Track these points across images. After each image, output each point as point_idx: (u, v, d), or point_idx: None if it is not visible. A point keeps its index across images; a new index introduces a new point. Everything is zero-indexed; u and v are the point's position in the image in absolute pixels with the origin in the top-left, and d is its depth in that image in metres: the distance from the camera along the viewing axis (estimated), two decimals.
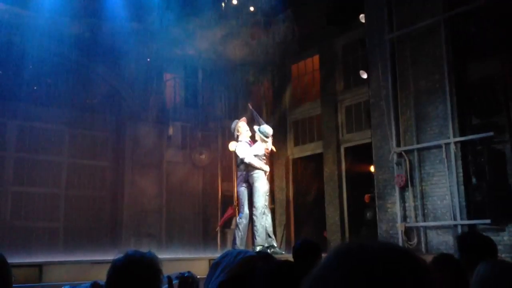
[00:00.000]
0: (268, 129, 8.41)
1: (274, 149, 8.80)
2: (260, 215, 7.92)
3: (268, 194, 8.31)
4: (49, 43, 11.42)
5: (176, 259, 7.37)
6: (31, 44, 11.15)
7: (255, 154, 8.11)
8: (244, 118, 8.68)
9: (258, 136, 8.32)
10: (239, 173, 8.36)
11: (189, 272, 2.35)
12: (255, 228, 7.97)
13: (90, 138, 13.48)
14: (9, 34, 11.24)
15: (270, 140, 8.42)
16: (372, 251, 0.71)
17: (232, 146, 12.83)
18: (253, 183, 8.07)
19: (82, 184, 13.01)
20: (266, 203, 8.17)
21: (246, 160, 8.06)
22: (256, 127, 8.43)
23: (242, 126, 8.41)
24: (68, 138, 13.03)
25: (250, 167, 8.09)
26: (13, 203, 12.08)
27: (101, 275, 2.26)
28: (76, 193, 12.93)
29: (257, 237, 7.90)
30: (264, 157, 8.23)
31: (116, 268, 2.09)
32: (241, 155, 8.15)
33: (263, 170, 8.11)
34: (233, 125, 8.57)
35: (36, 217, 12.19)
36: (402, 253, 0.73)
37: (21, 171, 12.30)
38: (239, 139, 8.38)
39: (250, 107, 9.31)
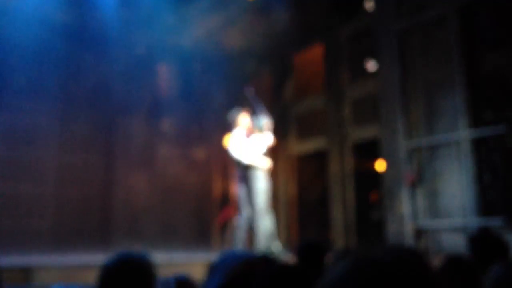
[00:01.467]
0: (264, 122, 8.34)
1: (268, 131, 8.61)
2: (260, 216, 7.91)
3: (267, 193, 8.24)
4: (36, 31, 11.40)
5: (172, 262, 7.39)
6: (17, 33, 11.14)
7: (258, 150, 8.06)
8: (248, 109, 8.52)
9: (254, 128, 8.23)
10: (237, 172, 8.26)
11: (186, 276, 2.37)
12: (255, 229, 7.96)
13: (79, 132, 13.48)
14: None
15: (267, 132, 8.35)
16: (387, 266, 0.72)
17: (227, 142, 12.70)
18: (250, 182, 8.00)
19: (71, 181, 13.00)
20: (266, 203, 8.12)
21: (244, 162, 8.00)
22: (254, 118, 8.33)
23: (242, 120, 8.28)
24: (56, 133, 13.02)
25: (248, 166, 8.04)
26: None
27: (91, 278, 2.28)
28: (65, 192, 12.93)
29: (257, 238, 7.91)
30: (261, 153, 8.17)
31: (108, 270, 2.11)
32: (236, 156, 8.05)
33: (264, 167, 8.06)
34: (232, 115, 8.36)
35: (23, 216, 12.20)
36: (417, 267, 0.73)
37: (5, 168, 12.30)
38: (235, 132, 8.24)
39: (251, 93, 9.13)
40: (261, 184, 8.00)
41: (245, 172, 8.05)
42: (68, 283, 5.31)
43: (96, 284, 2.10)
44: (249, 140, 8.19)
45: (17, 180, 12.39)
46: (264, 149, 8.27)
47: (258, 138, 8.21)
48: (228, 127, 8.50)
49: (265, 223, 8.04)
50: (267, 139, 8.35)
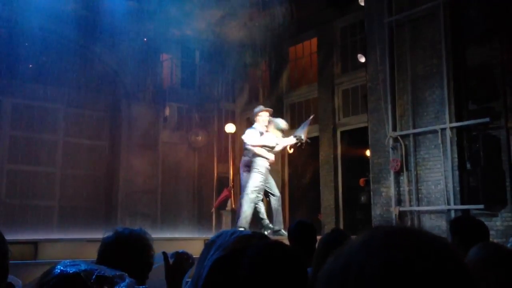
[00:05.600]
0: (281, 122, 8.47)
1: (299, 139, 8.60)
2: (248, 199, 7.94)
3: (263, 184, 8.19)
4: (46, 21, 11.30)
5: (171, 238, 7.40)
6: (28, 22, 11.03)
7: (264, 144, 8.12)
8: (270, 110, 8.57)
9: (271, 127, 8.32)
10: (244, 158, 8.33)
11: (183, 250, 2.38)
12: (241, 209, 8.01)
13: (86, 117, 13.44)
14: (6, 11, 11.13)
15: (280, 135, 8.43)
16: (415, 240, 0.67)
17: (229, 128, 12.76)
18: (251, 169, 8.08)
19: (77, 163, 12.99)
20: (259, 193, 8.09)
21: (248, 145, 8.10)
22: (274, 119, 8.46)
23: (262, 116, 8.32)
24: (64, 117, 12.99)
25: (254, 154, 8.11)
26: (8, 181, 12.08)
27: (95, 253, 2.30)
28: (72, 172, 12.92)
29: (241, 218, 7.92)
30: (270, 149, 8.22)
31: (106, 245, 2.15)
32: (245, 139, 8.17)
33: (264, 157, 8.10)
34: (256, 109, 8.45)
35: (32, 195, 12.19)
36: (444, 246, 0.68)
37: (16, 149, 12.27)
38: (254, 126, 8.35)
39: (310, 119, 9.18)
40: (258, 176, 8.06)
41: (249, 160, 8.12)
42: (73, 258, 5.30)
43: (96, 258, 2.13)
44: (264, 135, 8.24)
45: (27, 160, 12.36)
46: (280, 147, 8.36)
47: (270, 135, 8.26)
48: (250, 120, 8.65)
49: (273, 202, 8.24)
50: (285, 140, 8.42)
